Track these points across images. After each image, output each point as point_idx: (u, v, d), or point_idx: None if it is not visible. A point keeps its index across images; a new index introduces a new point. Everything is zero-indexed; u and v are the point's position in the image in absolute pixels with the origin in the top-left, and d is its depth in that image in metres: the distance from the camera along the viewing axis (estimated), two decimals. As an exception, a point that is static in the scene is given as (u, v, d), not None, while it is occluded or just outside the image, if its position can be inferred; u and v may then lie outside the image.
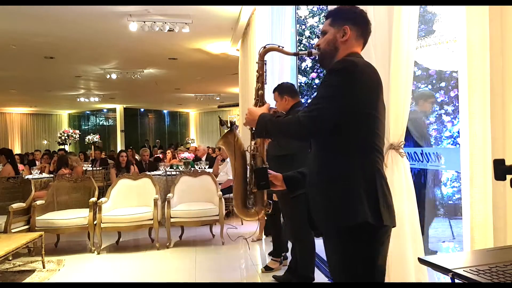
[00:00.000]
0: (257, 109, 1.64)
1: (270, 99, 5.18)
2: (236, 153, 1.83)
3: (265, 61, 1.74)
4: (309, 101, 5.98)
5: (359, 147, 1.48)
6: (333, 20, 1.61)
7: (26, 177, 6.18)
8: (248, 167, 1.76)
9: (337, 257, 1.51)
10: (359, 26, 1.59)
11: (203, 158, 7.63)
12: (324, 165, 1.53)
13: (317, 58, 1.66)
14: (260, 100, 1.74)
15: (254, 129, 1.62)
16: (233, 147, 1.84)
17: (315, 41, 5.28)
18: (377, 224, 1.44)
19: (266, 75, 1.77)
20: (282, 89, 3.32)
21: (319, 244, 1.70)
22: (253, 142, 1.72)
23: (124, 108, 17.64)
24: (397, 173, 2.15)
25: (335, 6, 1.66)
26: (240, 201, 1.80)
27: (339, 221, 1.45)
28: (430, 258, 1.10)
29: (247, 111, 1.66)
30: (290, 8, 4.97)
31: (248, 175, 1.77)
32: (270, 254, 4.08)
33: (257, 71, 1.76)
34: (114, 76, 9.56)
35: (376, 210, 1.44)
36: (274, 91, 3.38)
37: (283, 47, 1.73)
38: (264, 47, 1.73)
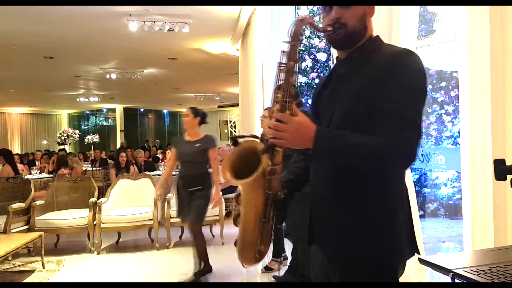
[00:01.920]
0: (306, 121, 1.12)
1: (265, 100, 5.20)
2: (265, 191, 1.24)
3: (301, 38, 1.21)
4: (309, 101, 5.97)
5: None
6: None
7: (26, 177, 6.17)
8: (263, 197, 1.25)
9: None
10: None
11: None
12: (356, 185, 1.17)
13: (336, 35, 1.20)
14: (289, 103, 1.17)
15: (312, 151, 1.11)
16: (263, 188, 1.23)
17: (315, 41, 5.28)
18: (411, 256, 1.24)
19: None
20: None
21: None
22: (269, 161, 1.19)
23: (124, 108, 17.64)
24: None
25: None
26: (256, 250, 1.30)
27: (379, 257, 1.16)
28: (430, 258, 1.10)
29: (284, 122, 1.10)
30: (290, 8, 4.97)
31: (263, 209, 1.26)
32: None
33: (288, 55, 1.17)
34: (114, 76, 9.55)
35: (414, 242, 1.23)
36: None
37: (317, 22, 1.23)
38: (302, 19, 1.17)
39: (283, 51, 1.19)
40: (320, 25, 1.24)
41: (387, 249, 1.16)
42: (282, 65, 1.18)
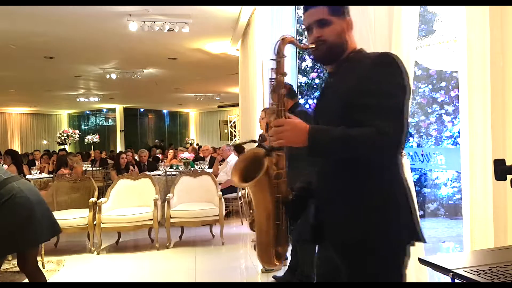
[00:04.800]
0: (299, 121, 1.27)
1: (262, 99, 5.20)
2: (274, 194, 1.36)
3: (285, 56, 1.36)
4: (309, 101, 5.98)
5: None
6: (333, 10, 1.34)
7: (26, 177, 6.18)
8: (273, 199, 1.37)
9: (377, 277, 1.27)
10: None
11: (207, 159, 7.66)
12: (356, 176, 1.27)
13: (319, 52, 1.36)
14: (283, 111, 1.32)
15: (309, 148, 1.22)
16: (269, 190, 1.35)
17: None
18: None
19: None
20: None
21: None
22: (274, 166, 1.34)
23: (123, 108, 17.63)
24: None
25: None
26: (273, 251, 1.38)
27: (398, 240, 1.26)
28: (430, 258, 1.10)
29: (280, 125, 1.24)
30: (290, 8, 4.97)
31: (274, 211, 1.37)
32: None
33: (276, 71, 1.35)
34: (114, 76, 9.55)
35: (415, 230, 1.33)
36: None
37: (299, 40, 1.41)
38: (284, 38, 1.34)
39: (272, 68, 1.35)
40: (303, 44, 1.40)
41: (388, 235, 1.23)
42: (273, 80, 1.35)
